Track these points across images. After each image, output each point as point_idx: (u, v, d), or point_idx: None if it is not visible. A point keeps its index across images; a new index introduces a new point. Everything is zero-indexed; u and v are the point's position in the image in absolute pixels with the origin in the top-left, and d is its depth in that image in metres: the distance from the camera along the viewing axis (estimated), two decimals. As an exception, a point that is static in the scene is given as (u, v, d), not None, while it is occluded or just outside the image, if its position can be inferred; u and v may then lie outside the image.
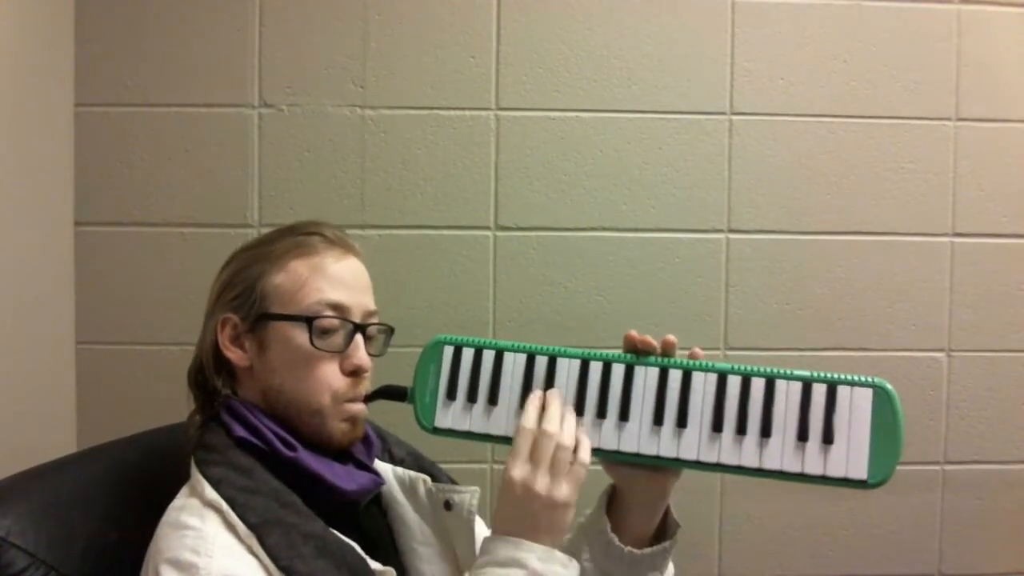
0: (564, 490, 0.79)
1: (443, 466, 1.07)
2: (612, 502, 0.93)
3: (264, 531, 0.79)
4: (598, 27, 1.55)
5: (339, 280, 0.92)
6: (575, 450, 0.81)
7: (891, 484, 0.79)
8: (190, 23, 1.51)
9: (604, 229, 1.56)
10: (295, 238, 0.94)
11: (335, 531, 0.84)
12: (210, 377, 0.93)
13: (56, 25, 1.47)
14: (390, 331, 1.01)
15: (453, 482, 1.01)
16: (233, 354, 0.92)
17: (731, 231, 1.58)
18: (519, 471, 0.79)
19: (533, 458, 0.80)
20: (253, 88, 1.53)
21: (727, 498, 1.58)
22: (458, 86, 1.54)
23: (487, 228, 1.55)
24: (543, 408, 0.83)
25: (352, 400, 0.91)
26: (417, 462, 1.04)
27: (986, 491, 1.60)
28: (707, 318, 1.57)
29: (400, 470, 1.02)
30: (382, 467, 1.01)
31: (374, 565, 0.83)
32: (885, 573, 1.60)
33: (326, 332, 0.90)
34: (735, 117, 1.57)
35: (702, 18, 1.56)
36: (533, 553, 0.77)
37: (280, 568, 0.78)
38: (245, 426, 0.88)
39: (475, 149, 1.55)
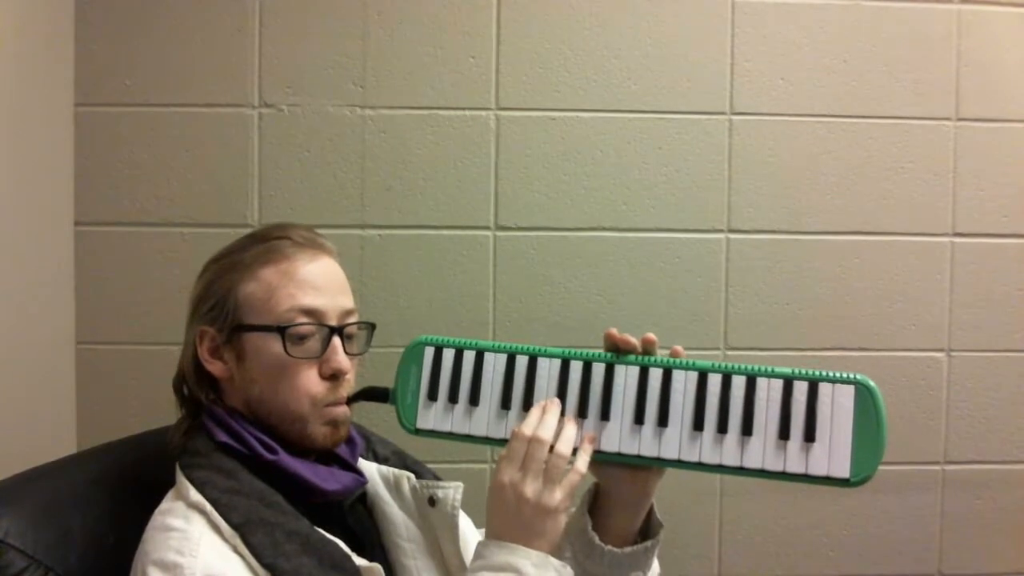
0: (555, 496, 0.79)
1: (439, 466, 1.07)
2: (595, 501, 0.92)
3: (247, 530, 0.80)
4: (598, 27, 1.55)
5: (310, 283, 0.91)
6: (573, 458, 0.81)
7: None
8: (190, 23, 1.51)
9: (604, 229, 1.56)
10: (264, 244, 0.94)
11: (320, 529, 0.85)
12: (193, 389, 0.94)
13: (56, 25, 1.47)
14: (371, 327, 0.99)
15: (437, 479, 1.02)
16: (213, 366, 0.93)
17: (731, 231, 1.57)
18: (508, 475, 0.80)
19: (524, 463, 0.80)
20: (253, 88, 1.52)
21: (727, 498, 1.58)
22: (458, 86, 1.54)
23: (487, 228, 1.55)
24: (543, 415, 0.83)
25: (333, 404, 0.91)
26: (401, 460, 1.05)
27: (986, 491, 1.60)
28: (707, 318, 1.57)
29: (384, 468, 1.03)
30: (366, 466, 1.02)
31: (359, 561, 0.84)
32: (885, 573, 1.60)
33: (301, 339, 0.90)
34: (735, 117, 1.57)
35: (702, 18, 1.56)
36: (528, 559, 0.77)
37: (264, 566, 0.79)
38: (227, 431, 0.89)
39: (475, 149, 1.54)
